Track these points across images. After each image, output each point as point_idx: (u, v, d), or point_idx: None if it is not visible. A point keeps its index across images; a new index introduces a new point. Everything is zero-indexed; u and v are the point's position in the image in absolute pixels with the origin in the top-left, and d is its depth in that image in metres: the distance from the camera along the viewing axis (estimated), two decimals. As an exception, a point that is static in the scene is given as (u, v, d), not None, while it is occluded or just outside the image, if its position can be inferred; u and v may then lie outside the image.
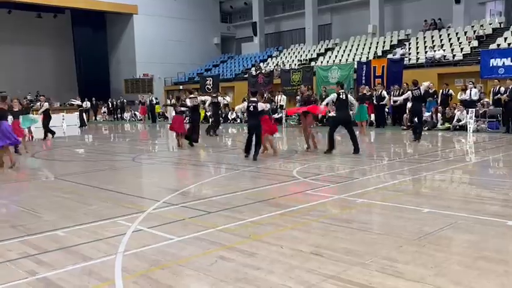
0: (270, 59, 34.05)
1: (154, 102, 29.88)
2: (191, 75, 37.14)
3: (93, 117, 32.94)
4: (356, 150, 10.82)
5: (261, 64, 32.74)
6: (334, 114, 10.86)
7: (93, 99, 33.21)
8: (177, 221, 5.31)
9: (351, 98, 11.23)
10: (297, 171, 8.65)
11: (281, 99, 24.42)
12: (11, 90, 29.27)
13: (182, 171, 9.65)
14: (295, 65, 30.03)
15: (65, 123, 27.30)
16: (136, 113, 33.00)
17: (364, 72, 23.70)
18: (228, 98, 28.87)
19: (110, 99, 34.87)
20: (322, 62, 29.03)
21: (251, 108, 10.49)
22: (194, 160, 11.17)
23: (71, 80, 37.68)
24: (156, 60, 36.42)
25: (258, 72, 30.08)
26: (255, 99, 10.60)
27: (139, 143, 16.71)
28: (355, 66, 24.43)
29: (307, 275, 3.63)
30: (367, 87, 20.34)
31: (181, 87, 34.27)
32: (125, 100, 33.79)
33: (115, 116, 34.18)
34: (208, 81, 31.86)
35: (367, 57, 26.63)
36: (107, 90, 37.85)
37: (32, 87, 34.26)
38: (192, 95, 15.09)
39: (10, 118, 11.83)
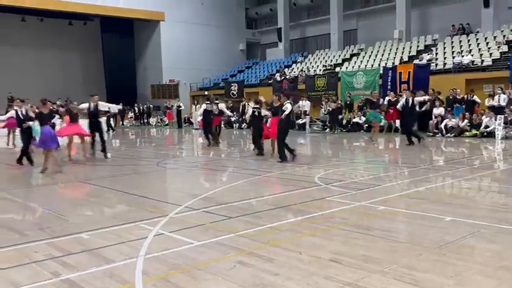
0: (294, 64, 34.04)
1: (182, 107, 30.23)
2: (216, 80, 37.46)
3: (120, 122, 33.57)
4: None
5: (286, 70, 32.75)
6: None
7: (121, 104, 33.81)
8: (198, 225, 5.38)
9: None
10: (319, 177, 8.63)
11: (305, 104, 24.39)
12: (42, 95, 30.11)
13: (205, 177, 9.74)
14: (320, 70, 29.93)
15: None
16: (162, 118, 33.52)
17: (389, 77, 23.41)
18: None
19: (136, 105, 35.50)
20: (347, 68, 28.84)
21: (256, 114, 12.28)
22: (217, 165, 11.26)
23: (99, 85, 38.55)
24: (182, 66, 36.90)
25: (282, 77, 30.10)
26: (258, 106, 12.51)
27: (164, 148, 16.94)
28: (381, 71, 24.17)
29: (324, 282, 3.63)
30: (392, 93, 20.09)
31: (206, 92, 34.67)
32: (151, 105, 34.36)
33: (141, 121, 34.78)
34: (233, 87, 32.09)
35: (393, 63, 26.31)
36: (134, 95, 38.54)
37: (62, 93, 35.20)
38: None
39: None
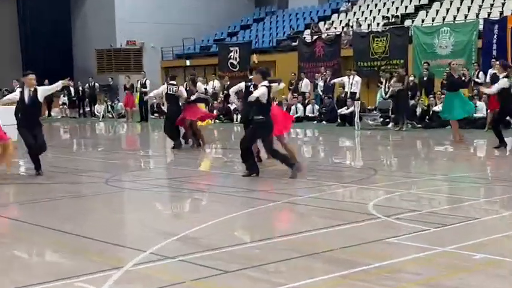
0: (335, 15, 34.09)
1: (147, 88, 30.35)
2: (205, 42, 37.62)
3: (45, 113, 33.84)
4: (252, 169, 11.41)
5: (321, 24, 32.86)
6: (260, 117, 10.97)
7: (46, 83, 34.19)
8: (173, 285, 5.40)
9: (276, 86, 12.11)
10: (376, 204, 8.64)
11: (353, 82, 24.44)
12: None
13: (183, 203, 9.77)
14: (377, 25, 29.94)
15: None
16: (115, 104, 33.79)
17: (495, 36, 23.34)
18: (278, 85, 29.07)
19: (71, 83, 35.74)
20: (423, 21, 28.80)
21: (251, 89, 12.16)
22: (203, 183, 11.31)
23: (10, 54, 38.84)
24: (148, 19, 37.25)
25: (315, 37, 30.19)
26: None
27: (118, 155, 17.05)
28: (481, 27, 24.10)
29: None
30: (499, 63, 19.61)
31: (187, 62, 34.89)
32: (97, 84, 34.62)
33: (81, 111, 35.10)
34: (232, 54, 32.30)
35: (501, 12, 26.23)
36: (68, 68, 38.85)
37: None
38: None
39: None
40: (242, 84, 13.24)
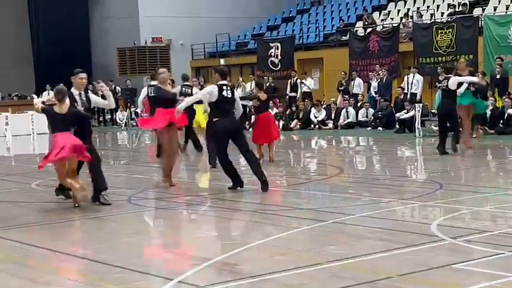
0: (392, 4, 33.87)
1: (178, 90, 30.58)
2: (242, 39, 37.72)
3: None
4: (263, 185, 11.60)
5: (375, 15, 32.71)
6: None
7: (47, 87, 34.44)
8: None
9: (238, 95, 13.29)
10: (440, 223, 8.55)
11: (414, 82, 24.22)
12: None
13: (218, 223, 9.77)
14: (441, 15, 29.70)
15: (10, 131, 28.83)
16: (138, 110, 33.98)
17: None
18: (309, 82, 29.11)
19: (90, 87, 36.16)
20: (495, 9, 28.45)
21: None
22: (242, 200, 11.37)
23: (21, 54, 39.51)
24: (177, 14, 37.57)
25: (369, 30, 30.04)
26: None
27: (143, 168, 17.23)
28: None
29: None
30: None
31: (222, 61, 34.98)
32: (118, 88, 34.92)
33: (101, 118, 35.50)
34: (273, 50, 32.34)
35: None
36: (85, 70, 39.31)
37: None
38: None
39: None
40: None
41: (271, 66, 32.08)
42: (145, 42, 37.50)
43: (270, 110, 17.66)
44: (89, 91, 11.74)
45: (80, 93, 11.11)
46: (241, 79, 31.61)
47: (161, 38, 37.65)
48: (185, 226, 9.53)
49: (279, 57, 31.88)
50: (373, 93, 26.61)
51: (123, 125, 32.80)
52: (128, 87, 34.79)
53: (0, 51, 38.94)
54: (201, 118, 17.22)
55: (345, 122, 26.19)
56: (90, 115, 11.65)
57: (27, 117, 29.43)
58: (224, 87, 11.76)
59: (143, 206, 11.37)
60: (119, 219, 10.11)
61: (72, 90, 11.11)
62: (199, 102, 14.88)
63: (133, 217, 10.34)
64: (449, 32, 26.35)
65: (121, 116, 33.88)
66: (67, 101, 10.63)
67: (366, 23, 31.12)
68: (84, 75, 11.32)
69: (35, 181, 14.34)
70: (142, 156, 20.42)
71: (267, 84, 30.39)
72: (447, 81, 16.20)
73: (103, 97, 11.97)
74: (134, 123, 32.86)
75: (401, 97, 24.82)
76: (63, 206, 11.27)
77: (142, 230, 9.52)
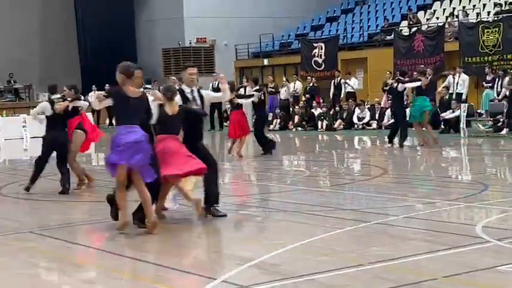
0: (437, 3, 33.53)
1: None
2: (285, 39, 37.69)
3: (107, 121, 34.56)
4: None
5: (420, 14, 32.43)
6: None
7: (107, 87, 34.85)
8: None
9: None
10: (485, 225, 8.46)
11: (460, 82, 23.95)
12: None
13: (261, 222, 9.77)
14: (488, 14, 29.32)
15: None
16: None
17: None
18: (352, 82, 29.03)
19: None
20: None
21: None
22: (285, 200, 11.35)
23: (67, 55, 39.98)
24: (221, 14, 37.72)
25: (414, 29, 29.79)
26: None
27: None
28: None
29: None
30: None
31: (265, 61, 35.01)
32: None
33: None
34: (317, 51, 32.26)
35: None
36: (131, 71, 39.73)
37: (7, 68, 36.85)
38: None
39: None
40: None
41: (314, 66, 32.00)
42: (190, 43, 37.67)
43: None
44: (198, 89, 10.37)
45: (191, 90, 9.98)
46: (284, 79, 31.61)
47: (205, 38, 37.79)
48: (228, 226, 9.53)
49: (323, 57, 31.77)
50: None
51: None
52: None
53: (47, 53, 39.53)
54: None
55: (389, 122, 25.98)
56: (204, 112, 10.25)
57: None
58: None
59: (187, 205, 11.42)
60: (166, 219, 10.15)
61: (183, 87, 10.05)
62: None
63: (178, 216, 10.39)
64: (495, 31, 26.00)
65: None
66: (177, 99, 9.53)
67: (411, 22, 30.86)
68: (194, 70, 10.06)
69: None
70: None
71: (310, 85, 30.46)
72: None
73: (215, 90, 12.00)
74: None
75: (447, 97, 24.56)
76: (107, 205, 11.39)
77: (186, 229, 9.57)
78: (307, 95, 30.15)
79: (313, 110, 28.43)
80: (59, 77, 37.33)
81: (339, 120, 27.63)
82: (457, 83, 24.16)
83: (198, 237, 9.17)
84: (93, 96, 27.22)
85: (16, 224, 9.92)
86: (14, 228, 9.58)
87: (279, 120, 29.41)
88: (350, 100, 28.27)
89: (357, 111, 27.42)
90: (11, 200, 12.56)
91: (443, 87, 25.24)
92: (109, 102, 8.95)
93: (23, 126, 28.25)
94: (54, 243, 8.53)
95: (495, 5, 29.85)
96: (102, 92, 9.21)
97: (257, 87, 19.32)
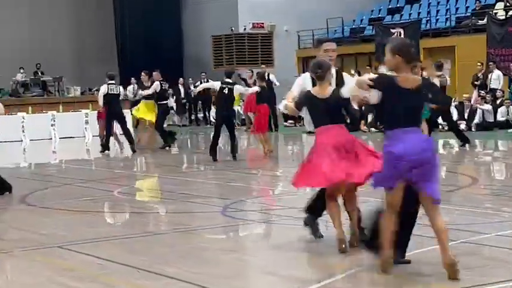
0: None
1: (276, 84, 30.63)
2: (357, 24, 37.52)
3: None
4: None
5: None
6: None
7: (133, 81, 35.01)
8: None
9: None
10: None
11: (493, 77, 23.82)
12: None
13: (325, 240, 9.73)
14: None
15: (90, 130, 29.38)
16: (238, 108, 34.31)
17: None
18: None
19: (181, 81, 36.72)
20: None
21: (225, 91, 19.12)
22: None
23: (105, 43, 40.53)
24: (280, -4, 37.71)
25: (511, 12, 29.41)
26: (230, 80, 19.28)
27: (240, 175, 17.48)
28: None
29: None
30: None
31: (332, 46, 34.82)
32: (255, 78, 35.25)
33: (193, 117, 36.04)
34: (395, 35, 32.02)
35: None
36: (176, 62, 39.92)
37: (26, 58, 37.53)
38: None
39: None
40: (216, 84, 19.91)
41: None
42: (245, 29, 37.74)
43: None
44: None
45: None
46: (352, 72, 31.44)
47: (263, 23, 37.82)
48: (286, 242, 9.49)
49: (406, 45, 31.48)
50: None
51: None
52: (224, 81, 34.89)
53: (79, 41, 40.20)
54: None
55: (481, 122, 25.69)
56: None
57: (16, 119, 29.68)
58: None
59: (239, 218, 11.46)
60: (210, 233, 10.23)
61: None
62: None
63: (227, 231, 10.44)
64: None
65: (215, 114, 34.17)
66: (329, 78, 8.67)
67: (508, 4, 30.46)
68: (331, 45, 9.28)
69: (117, 188, 14.69)
70: (239, 161, 20.60)
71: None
72: None
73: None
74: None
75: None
76: (147, 217, 11.50)
77: (238, 246, 9.59)
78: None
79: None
80: (92, 68, 38.13)
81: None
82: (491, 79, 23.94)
83: (250, 255, 9.16)
84: (131, 90, 27.69)
85: (42, 238, 10.08)
86: (39, 242, 9.74)
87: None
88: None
89: (442, 109, 27.14)
90: (37, 210, 12.77)
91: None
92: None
93: (52, 125, 28.57)
94: (85, 260, 8.64)
95: None
96: (365, 79, 7.52)
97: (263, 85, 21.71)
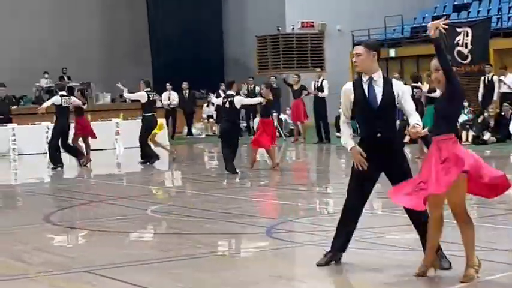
0: None
1: (325, 91, 30.49)
2: (418, 22, 37.36)
3: (186, 128, 34.99)
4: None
5: None
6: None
7: (185, 85, 35.20)
8: None
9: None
10: None
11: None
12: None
13: (382, 264, 9.70)
14: None
15: (121, 142, 29.50)
16: (284, 116, 34.27)
17: None
18: (509, 79, 28.72)
19: (222, 85, 36.67)
20: None
21: (227, 105, 19.96)
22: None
23: (137, 45, 40.81)
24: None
25: None
26: (232, 92, 20.18)
27: (286, 192, 17.48)
28: None
29: None
30: None
31: (392, 52, 34.72)
32: (258, 88, 35.21)
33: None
34: (461, 38, 31.85)
35: None
36: (218, 64, 39.96)
37: (52, 62, 37.90)
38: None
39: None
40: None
41: (458, 58, 31.48)
42: (293, 29, 37.77)
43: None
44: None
45: (369, 78, 9.00)
46: (396, 75, 31.31)
47: (313, 22, 37.82)
48: (340, 267, 9.44)
49: (469, 46, 31.27)
50: None
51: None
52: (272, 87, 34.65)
53: (109, 44, 40.53)
54: None
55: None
56: None
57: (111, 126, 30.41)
58: None
59: (286, 240, 11.43)
60: (260, 257, 10.25)
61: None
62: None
63: (274, 255, 10.41)
64: None
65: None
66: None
67: None
68: (355, 49, 9.31)
69: (151, 206, 14.75)
70: (286, 177, 20.60)
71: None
72: None
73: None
74: (277, 133, 33.05)
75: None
76: (183, 238, 11.53)
77: (286, 273, 9.54)
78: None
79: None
80: (123, 72, 38.37)
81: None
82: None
83: (302, 282, 9.14)
84: (166, 97, 27.82)
85: (68, 261, 10.16)
86: (65, 266, 9.82)
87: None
88: (505, 104, 27.69)
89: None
90: (63, 230, 12.89)
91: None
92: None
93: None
94: (114, 286, 8.71)
95: None
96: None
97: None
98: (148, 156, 23.51)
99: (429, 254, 8.21)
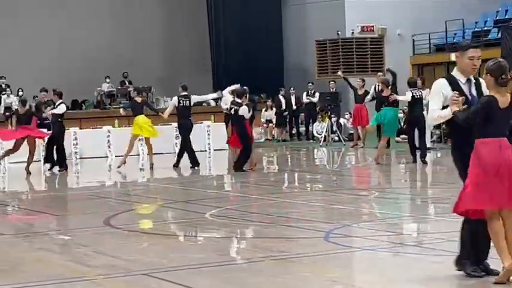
0: None
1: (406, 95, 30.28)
2: (480, 26, 36.98)
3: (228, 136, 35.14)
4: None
5: None
6: None
7: (245, 90, 35.18)
8: None
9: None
10: None
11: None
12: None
13: (443, 271, 9.62)
14: None
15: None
16: (343, 121, 34.14)
17: None
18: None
19: (282, 90, 36.97)
20: None
21: (232, 112, 21.82)
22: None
23: (198, 49, 41.03)
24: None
25: None
26: (240, 100, 21.67)
27: (346, 196, 17.50)
28: None
29: None
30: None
31: (452, 56, 34.35)
32: (317, 93, 35.08)
33: (294, 131, 36.43)
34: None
35: None
36: (278, 68, 39.98)
37: (120, 66, 38.27)
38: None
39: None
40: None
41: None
42: (352, 33, 37.64)
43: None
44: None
45: (468, 80, 9.02)
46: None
47: (373, 26, 37.65)
48: (398, 274, 9.39)
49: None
50: None
51: (322, 139, 32.91)
52: (331, 91, 34.51)
53: (169, 48, 40.86)
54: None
55: None
56: None
57: (202, 129, 30.62)
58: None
59: (344, 245, 11.40)
60: (312, 262, 10.18)
61: (454, 73, 9.13)
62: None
63: (331, 260, 10.38)
64: None
65: (319, 128, 34.04)
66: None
67: None
68: (476, 52, 9.15)
69: (209, 210, 14.84)
70: (346, 181, 20.56)
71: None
72: None
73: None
74: (336, 138, 32.92)
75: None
76: (242, 242, 11.56)
77: (343, 278, 9.49)
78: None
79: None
80: (184, 77, 38.52)
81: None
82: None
83: (351, 286, 9.13)
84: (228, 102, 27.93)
85: (127, 264, 10.24)
86: (124, 268, 9.91)
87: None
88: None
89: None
90: (122, 233, 12.99)
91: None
92: None
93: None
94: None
95: None
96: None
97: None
98: (195, 162, 24.15)
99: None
